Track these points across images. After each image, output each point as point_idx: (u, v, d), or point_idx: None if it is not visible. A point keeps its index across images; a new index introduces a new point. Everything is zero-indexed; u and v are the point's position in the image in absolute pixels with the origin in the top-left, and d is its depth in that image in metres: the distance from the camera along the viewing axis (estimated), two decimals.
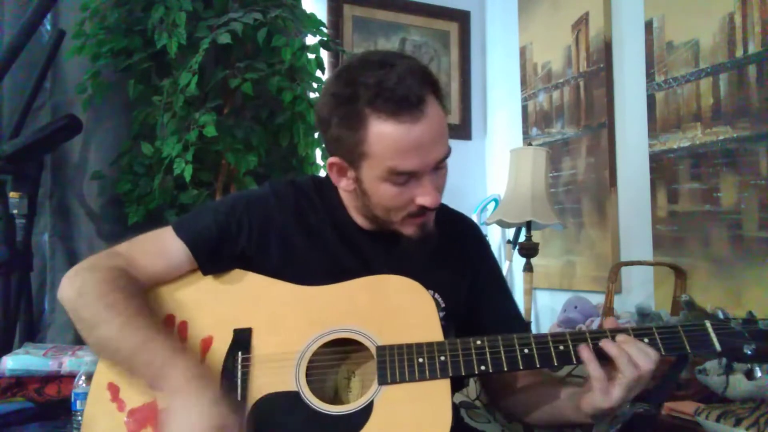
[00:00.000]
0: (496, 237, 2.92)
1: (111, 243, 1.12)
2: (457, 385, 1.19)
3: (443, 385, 0.97)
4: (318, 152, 2.19)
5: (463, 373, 0.98)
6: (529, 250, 2.24)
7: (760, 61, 1.79)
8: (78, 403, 1.21)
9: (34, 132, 1.78)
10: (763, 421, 1.21)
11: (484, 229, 2.69)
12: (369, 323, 1.02)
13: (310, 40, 2.17)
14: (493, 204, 2.84)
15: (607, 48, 2.36)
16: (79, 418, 1.18)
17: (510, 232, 2.76)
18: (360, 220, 1.15)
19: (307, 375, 1.00)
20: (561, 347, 0.98)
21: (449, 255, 1.18)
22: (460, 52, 3.03)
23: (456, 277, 1.18)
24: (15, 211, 1.74)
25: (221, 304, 1.08)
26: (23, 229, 1.76)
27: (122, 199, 2.08)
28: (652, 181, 2.13)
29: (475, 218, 2.68)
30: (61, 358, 1.53)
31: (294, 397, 0.98)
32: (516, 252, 2.51)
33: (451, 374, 0.97)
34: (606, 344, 0.96)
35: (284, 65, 2.03)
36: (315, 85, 2.11)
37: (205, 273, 1.10)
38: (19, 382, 1.49)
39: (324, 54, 2.24)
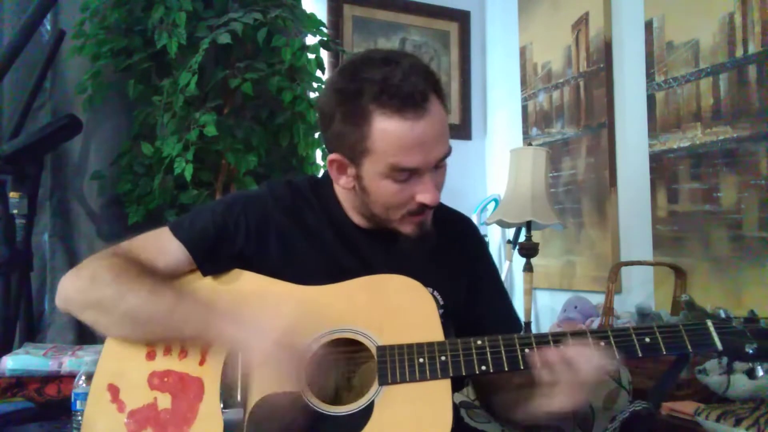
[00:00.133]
0: (496, 237, 2.92)
1: (111, 243, 1.12)
2: (457, 385, 1.19)
3: (444, 386, 0.97)
4: (318, 152, 2.19)
5: (464, 373, 0.98)
6: (529, 250, 2.24)
7: (760, 61, 1.79)
8: (78, 403, 1.21)
9: (34, 132, 1.78)
10: (763, 421, 1.22)
11: (484, 229, 2.70)
12: (369, 323, 1.02)
13: (310, 40, 2.17)
14: (493, 204, 2.84)
15: (607, 48, 2.36)
16: (79, 418, 1.18)
17: (510, 232, 2.76)
18: (357, 219, 1.15)
19: (307, 375, 0.99)
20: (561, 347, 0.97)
21: (448, 254, 1.18)
22: (460, 52, 3.03)
23: (455, 275, 1.18)
24: (15, 211, 1.74)
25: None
26: (23, 229, 1.76)
27: (122, 199, 2.08)
28: (652, 181, 2.13)
29: (475, 218, 2.69)
30: (61, 358, 1.52)
31: (294, 397, 0.97)
32: (516, 252, 2.51)
33: (451, 374, 0.97)
34: (543, 350, 0.97)
35: (284, 65, 2.03)
36: (315, 85, 2.11)
37: (205, 273, 1.10)
38: (19, 382, 1.48)
39: (324, 54, 2.24)
